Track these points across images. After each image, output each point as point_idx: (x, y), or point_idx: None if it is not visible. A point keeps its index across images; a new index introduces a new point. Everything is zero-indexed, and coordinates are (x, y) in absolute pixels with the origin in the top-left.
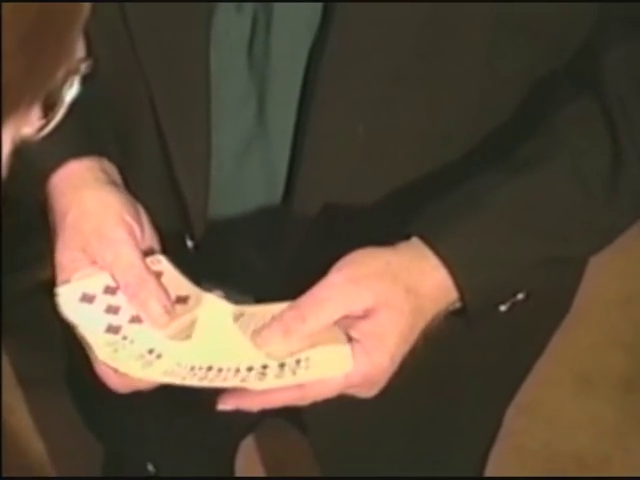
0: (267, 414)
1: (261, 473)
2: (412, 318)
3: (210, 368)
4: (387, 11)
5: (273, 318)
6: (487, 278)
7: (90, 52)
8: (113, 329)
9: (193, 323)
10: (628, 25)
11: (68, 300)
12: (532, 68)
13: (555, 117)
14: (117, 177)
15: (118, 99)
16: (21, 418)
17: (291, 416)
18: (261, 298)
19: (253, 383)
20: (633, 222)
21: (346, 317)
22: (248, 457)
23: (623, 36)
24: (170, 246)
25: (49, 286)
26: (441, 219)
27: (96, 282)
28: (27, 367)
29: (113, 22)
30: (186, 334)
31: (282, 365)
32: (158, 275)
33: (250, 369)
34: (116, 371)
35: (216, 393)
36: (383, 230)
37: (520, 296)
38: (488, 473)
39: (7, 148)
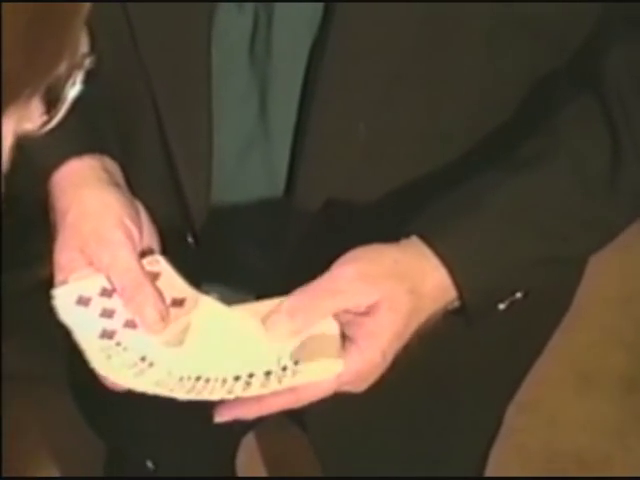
0: None
1: (262, 470)
2: (408, 318)
3: (198, 378)
4: (387, 10)
5: (281, 301)
6: (486, 277)
7: (94, 48)
8: (107, 334)
9: (187, 328)
10: (628, 25)
11: (64, 303)
12: (532, 68)
13: (555, 117)
14: (119, 176)
15: (120, 98)
16: (22, 416)
17: (291, 414)
18: (261, 295)
19: (240, 393)
20: (633, 221)
21: (347, 311)
22: (249, 454)
23: (623, 36)
24: (171, 244)
25: (50, 284)
26: (441, 218)
27: (93, 284)
28: (28, 365)
29: (115, 21)
30: (179, 339)
31: (269, 373)
32: (155, 276)
33: (239, 379)
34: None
35: None
36: (384, 228)
37: (518, 295)
38: (488, 472)
39: (9, 141)
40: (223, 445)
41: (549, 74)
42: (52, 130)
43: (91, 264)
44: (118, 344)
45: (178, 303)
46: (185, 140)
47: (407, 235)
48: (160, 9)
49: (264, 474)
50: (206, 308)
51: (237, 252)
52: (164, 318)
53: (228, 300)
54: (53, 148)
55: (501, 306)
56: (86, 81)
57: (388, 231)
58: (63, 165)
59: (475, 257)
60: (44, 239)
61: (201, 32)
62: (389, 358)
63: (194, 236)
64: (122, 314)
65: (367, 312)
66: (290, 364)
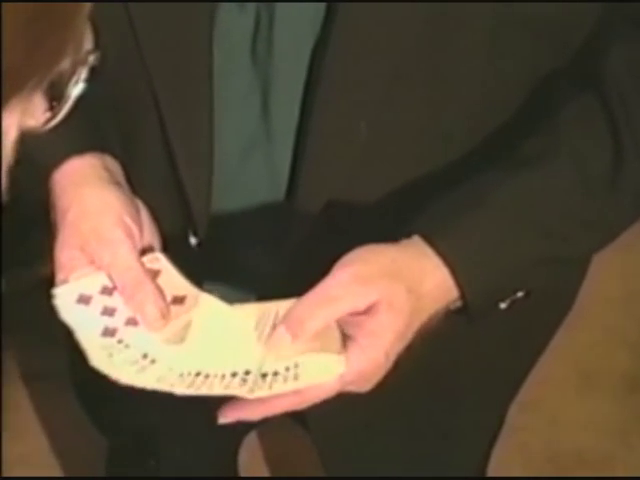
0: None
1: (264, 469)
2: (410, 317)
3: (198, 374)
4: (389, 10)
5: (279, 315)
6: (488, 277)
7: (98, 45)
8: (109, 332)
9: (188, 325)
10: (629, 25)
11: (65, 302)
12: (534, 67)
13: (556, 116)
14: (119, 174)
15: (122, 97)
16: (24, 414)
17: (293, 414)
18: (263, 295)
19: (241, 392)
20: (634, 220)
21: (347, 314)
22: (251, 453)
23: (624, 35)
24: (173, 243)
25: (50, 283)
26: (442, 218)
27: (93, 282)
28: (30, 362)
29: (117, 21)
30: (181, 336)
31: (275, 373)
32: (156, 274)
33: (236, 375)
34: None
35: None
36: (385, 228)
37: (520, 294)
38: (490, 471)
39: (13, 134)
40: (225, 444)
41: (550, 74)
42: (54, 128)
43: (92, 263)
44: (120, 342)
45: (179, 301)
46: (186, 140)
47: (408, 235)
48: (162, 9)
49: (266, 473)
50: (207, 305)
51: (239, 252)
52: (165, 315)
53: (229, 300)
54: (54, 146)
55: (502, 305)
56: (88, 80)
57: (389, 231)
58: (64, 163)
59: (477, 256)
60: (45, 237)
61: (203, 32)
62: (392, 358)
63: (196, 235)
64: (123, 312)
65: (366, 312)
66: (295, 363)
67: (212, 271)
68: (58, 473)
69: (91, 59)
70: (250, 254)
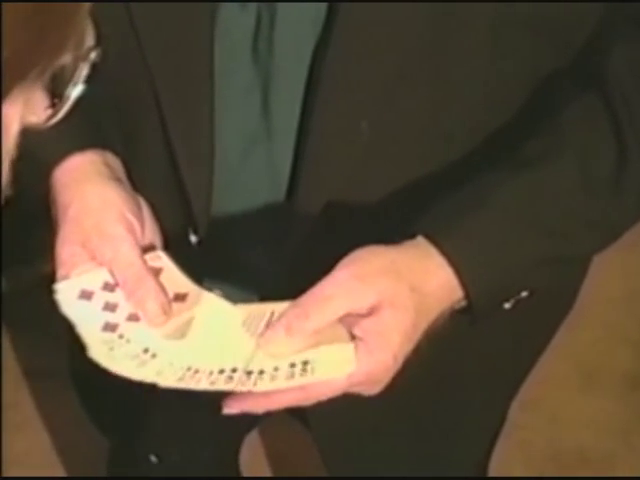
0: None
1: (266, 467)
2: (416, 317)
3: (198, 370)
4: (391, 10)
5: (275, 316)
6: (492, 277)
7: (99, 42)
8: (110, 327)
9: (190, 321)
10: (631, 24)
11: (66, 297)
12: (535, 67)
13: (559, 116)
14: (121, 171)
15: (123, 97)
16: (24, 411)
17: (295, 411)
18: (263, 295)
19: (247, 386)
20: (637, 220)
21: (349, 315)
22: (253, 451)
23: (627, 35)
24: (173, 242)
25: (52, 279)
26: (446, 218)
27: (95, 277)
28: (31, 360)
29: (118, 20)
30: (182, 332)
31: (282, 368)
32: (157, 271)
33: (237, 371)
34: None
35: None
36: (386, 228)
37: (524, 293)
38: (491, 469)
39: (15, 127)
40: (227, 441)
41: (552, 74)
42: (55, 126)
43: (93, 259)
44: (121, 337)
45: (180, 298)
46: (187, 139)
47: (412, 235)
48: (163, 8)
49: (268, 472)
50: (209, 303)
51: (239, 251)
52: (166, 311)
53: (229, 299)
54: (55, 143)
55: (507, 305)
56: (89, 79)
57: (391, 231)
58: (65, 160)
59: (481, 256)
60: (46, 235)
61: (204, 31)
62: (400, 360)
63: (196, 234)
64: (125, 308)
65: (370, 313)
66: (304, 358)
67: (212, 270)
68: (59, 471)
69: (92, 56)
70: (250, 253)
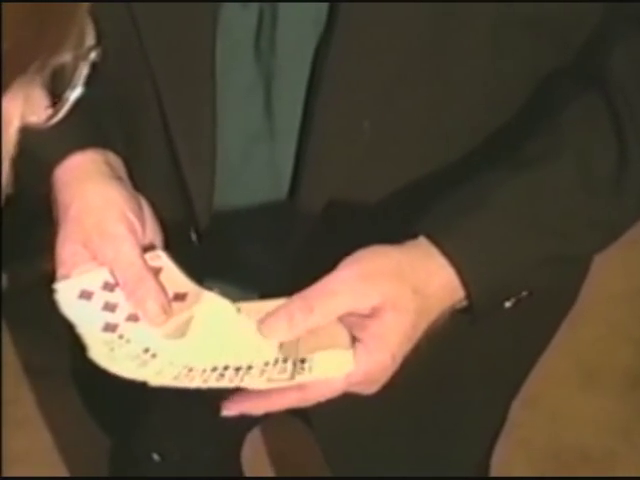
0: None
1: (267, 465)
2: (416, 318)
3: (199, 369)
4: (392, 10)
5: (279, 305)
6: (494, 276)
7: (100, 41)
8: (110, 327)
9: (190, 321)
10: (632, 24)
11: (66, 297)
12: (536, 67)
13: (560, 116)
14: (122, 170)
15: (125, 96)
16: (25, 409)
17: (297, 409)
18: (265, 294)
19: (247, 383)
20: (638, 219)
21: (351, 314)
22: (254, 449)
23: (627, 35)
24: (174, 241)
25: (53, 277)
26: (447, 218)
27: (95, 277)
28: (31, 358)
29: (120, 20)
30: (182, 332)
31: (282, 367)
32: (157, 271)
33: (249, 368)
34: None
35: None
36: (387, 227)
37: (524, 292)
38: (493, 467)
39: (15, 124)
40: (228, 440)
41: (552, 73)
42: (56, 125)
43: (94, 258)
44: (121, 337)
45: (180, 297)
46: (189, 138)
47: (413, 235)
48: (165, 8)
49: (269, 470)
50: (209, 302)
51: (240, 250)
52: (166, 311)
53: (231, 298)
54: (56, 142)
55: (507, 304)
56: (91, 79)
57: (392, 230)
58: (66, 159)
59: (482, 256)
60: (46, 233)
61: (205, 31)
62: (399, 360)
63: (197, 234)
64: (125, 308)
65: (372, 314)
66: (303, 358)
67: (213, 269)
68: (59, 468)
69: (93, 55)
70: (252, 252)
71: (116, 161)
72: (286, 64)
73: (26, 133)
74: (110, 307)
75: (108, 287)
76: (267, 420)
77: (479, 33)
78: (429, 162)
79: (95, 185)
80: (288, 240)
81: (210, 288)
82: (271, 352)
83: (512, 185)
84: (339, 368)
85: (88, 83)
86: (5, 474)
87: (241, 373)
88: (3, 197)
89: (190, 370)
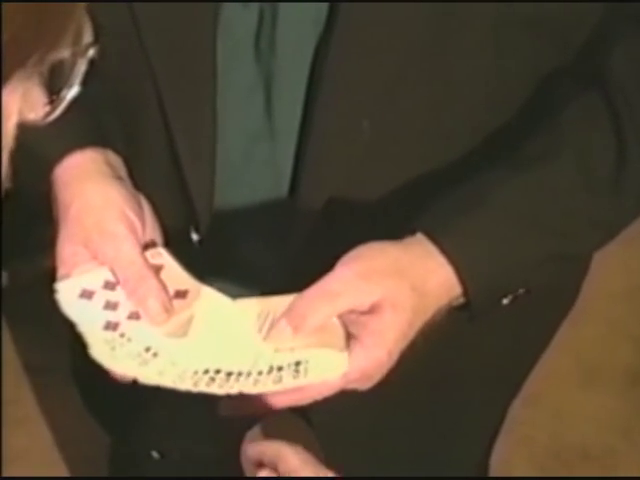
0: None
1: None
2: (413, 315)
3: (205, 371)
4: (392, 10)
5: (276, 310)
6: (492, 275)
7: (98, 38)
8: (111, 326)
9: (191, 319)
10: (632, 24)
11: (67, 296)
12: (536, 66)
13: (560, 115)
14: (122, 169)
15: (125, 95)
16: (25, 407)
17: (297, 408)
18: (265, 292)
19: (248, 388)
20: (637, 217)
21: (350, 311)
22: None
23: (627, 35)
24: (175, 241)
25: (53, 274)
26: (446, 216)
27: (96, 277)
28: (32, 355)
29: (121, 19)
30: (184, 330)
31: (279, 369)
32: (158, 268)
33: (248, 374)
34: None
35: None
36: (387, 226)
37: (521, 290)
38: (493, 465)
39: (14, 119)
40: (228, 438)
41: (553, 73)
42: (56, 124)
43: (95, 258)
44: (122, 335)
45: (181, 295)
46: (189, 138)
47: (412, 232)
48: (166, 8)
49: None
50: (209, 299)
51: (241, 249)
52: (167, 309)
53: (232, 297)
54: (56, 141)
55: (504, 301)
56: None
57: (392, 229)
58: (66, 158)
59: (480, 255)
60: (47, 230)
61: (206, 30)
62: (395, 357)
63: (198, 231)
64: (126, 306)
65: (370, 311)
66: (300, 359)
67: (214, 268)
68: (59, 467)
69: (91, 52)
70: (252, 251)
71: (116, 160)
72: (286, 64)
73: (26, 131)
74: (111, 306)
75: (109, 286)
76: (267, 419)
77: (479, 33)
78: (429, 161)
79: (95, 185)
80: (288, 239)
81: (211, 285)
82: (267, 355)
83: (511, 184)
84: (334, 370)
85: (85, 82)
86: (5, 473)
87: (232, 379)
88: (2, 191)
89: (195, 372)
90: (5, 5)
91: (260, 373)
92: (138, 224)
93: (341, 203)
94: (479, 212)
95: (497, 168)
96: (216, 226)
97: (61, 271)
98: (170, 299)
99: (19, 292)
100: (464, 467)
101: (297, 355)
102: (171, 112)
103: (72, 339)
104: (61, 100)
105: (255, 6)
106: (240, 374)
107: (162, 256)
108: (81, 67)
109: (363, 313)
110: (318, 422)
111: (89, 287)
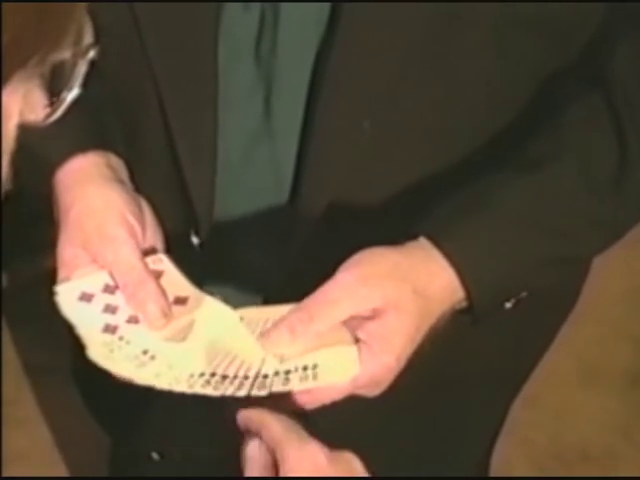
0: None
1: None
2: (419, 319)
3: (197, 374)
4: (393, 10)
5: (280, 318)
6: (494, 278)
7: (98, 39)
8: (110, 329)
9: (191, 325)
10: (634, 24)
11: (67, 299)
12: (538, 67)
13: (562, 117)
14: (123, 173)
15: (126, 96)
16: (25, 407)
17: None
18: (266, 297)
19: (242, 393)
20: (639, 220)
21: (353, 317)
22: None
23: (629, 36)
24: (175, 244)
25: (53, 275)
26: (448, 219)
27: (95, 280)
28: (33, 356)
29: (122, 20)
30: (182, 336)
31: (285, 378)
32: (159, 274)
33: (247, 378)
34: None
35: None
36: (389, 228)
37: (524, 293)
38: (493, 465)
39: (15, 119)
40: (229, 439)
41: (554, 74)
42: (57, 125)
43: (94, 261)
44: (121, 338)
45: (181, 301)
46: (190, 139)
47: (414, 236)
48: (167, 8)
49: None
50: (210, 307)
51: (241, 253)
52: (166, 314)
53: (231, 300)
54: (58, 144)
55: (508, 305)
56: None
57: (394, 231)
58: (67, 161)
59: (483, 258)
60: (47, 231)
61: (208, 31)
62: (403, 362)
63: (198, 235)
64: (125, 310)
65: (374, 316)
66: (308, 363)
67: (214, 272)
68: (60, 468)
69: (91, 53)
70: (253, 255)
71: (118, 163)
72: (287, 64)
73: (28, 132)
74: (110, 309)
75: (108, 290)
76: None
77: (481, 33)
78: (431, 162)
79: (96, 188)
80: (289, 242)
81: (211, 293)
82: (271, 362)
83: (513, 187)
84: (343, 373)
85: (86, 83)
86: (5, 473)
87: (237, 382)
88: (3, 193)
89: (191, 375)
90: (5, 5)
91: (266, 376)
92: (138, 228)
93: (342, 204)
94: (480, 215)
95: (499, 170)
96: (216, 229)
97: (61, 274)
98: (169, 305)
99: (19, 292)
100: (465, 467)
101: (305, 359)
102: (171, 113)
103: (72, 340)
104: (62, 101)
105: (257, 7)
106: (236, 377)
107: (163, 262)
108: (82, 68)
109: (367, 319)
110: (318, 423)
111: (89, 290)
